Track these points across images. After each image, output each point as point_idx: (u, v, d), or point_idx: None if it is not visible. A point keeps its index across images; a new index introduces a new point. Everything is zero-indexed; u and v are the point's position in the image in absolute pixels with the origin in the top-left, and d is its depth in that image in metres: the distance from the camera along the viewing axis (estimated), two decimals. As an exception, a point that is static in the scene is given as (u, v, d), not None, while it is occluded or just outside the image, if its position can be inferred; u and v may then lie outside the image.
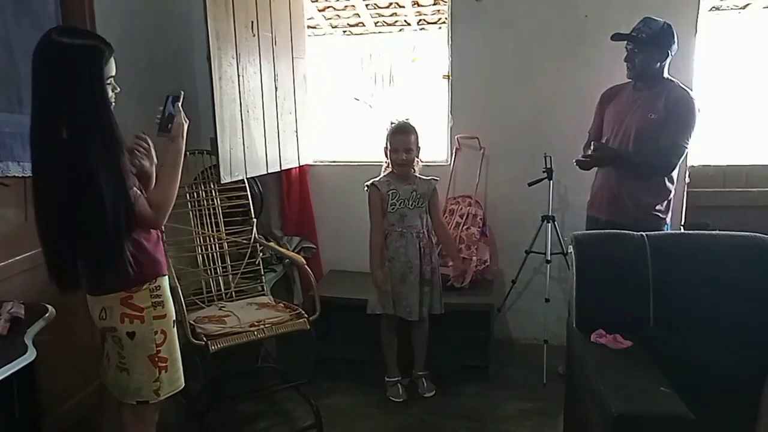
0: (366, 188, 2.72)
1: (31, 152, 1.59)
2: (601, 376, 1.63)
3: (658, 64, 2.51)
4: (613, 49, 2.60)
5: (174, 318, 1.82)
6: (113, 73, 1.64)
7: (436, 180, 2.79)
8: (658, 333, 1.87)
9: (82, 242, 1.59)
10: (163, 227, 1.82)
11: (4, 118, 2.04)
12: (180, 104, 1.77)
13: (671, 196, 2.62)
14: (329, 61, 3.52)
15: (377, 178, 2.74)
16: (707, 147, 3.08)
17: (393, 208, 2.70)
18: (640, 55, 2.49)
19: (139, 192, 1.67)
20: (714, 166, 3.15)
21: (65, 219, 1.57)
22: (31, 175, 1.64)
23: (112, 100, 1.64)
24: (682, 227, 3.07)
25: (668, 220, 2.64)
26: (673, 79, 2.56)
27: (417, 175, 2.75)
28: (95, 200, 1.53)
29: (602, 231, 2.21)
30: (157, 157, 1.79)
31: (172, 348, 1.79)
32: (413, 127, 2.69)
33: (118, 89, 1.68)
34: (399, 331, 2.83)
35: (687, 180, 3.09)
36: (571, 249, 2.03)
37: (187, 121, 1.81)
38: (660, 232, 2.07)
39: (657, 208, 2.58)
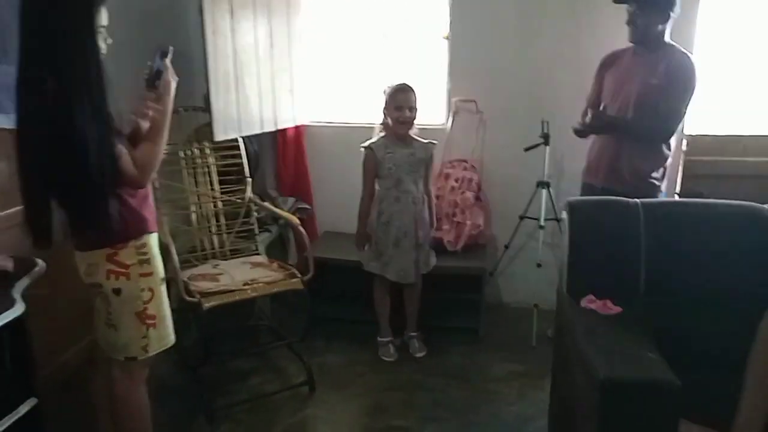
0: (363, 149, 2.70)
1: (16, 102, 1.53)
2: (589, 341, 1.65)
3: (660, 27, 2.47)
4: (616, 13, 2.55)
5: (162, 276, 1.81)
6: (105, 23, 1.57)
7: (434, 144, 2.77)
8: (649, 300, 1.89)
9: (64, 194, 1.57)
10: (155, 185, 1.80)
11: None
12: (168, 60, 1.70)
13: (667, 163, 2.61)
14: (328, 19, 3.43)
15: (374, 140, 2.71)
16: (706, 115, 3.05)
17: (389, 172, 2.68)
18: (642, 17, 2.46)
19: (124, 149, 1.62)
20: (712, 135, 3.12)
21: (47, 170, 1.54)
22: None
23: (103, 50, 1.57)
24: (677, 195, 3.07)
25: (663, 187, 2.64)
26: (674, 43, 2.52)
27: (415, 137, 2.72)
28: (79, 153, 1.49)
29: (597, 197, 2.21)
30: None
31: (160, 305, 1.78)
32: (412, 88, 2.67)
33: (110, 40, 1.61)
34: (392, 292, 2.86)
35: (684, 148, 3.08)
36: (564, 215, 2.03)
37: (176, 79, 1.74)
38: (655, 199, 2.07)
39: (653, 175, 2.58)
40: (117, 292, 1.69)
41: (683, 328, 1.82)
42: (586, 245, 1.96)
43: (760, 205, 1.96)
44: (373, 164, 2.69)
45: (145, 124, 1.70)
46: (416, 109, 2.67)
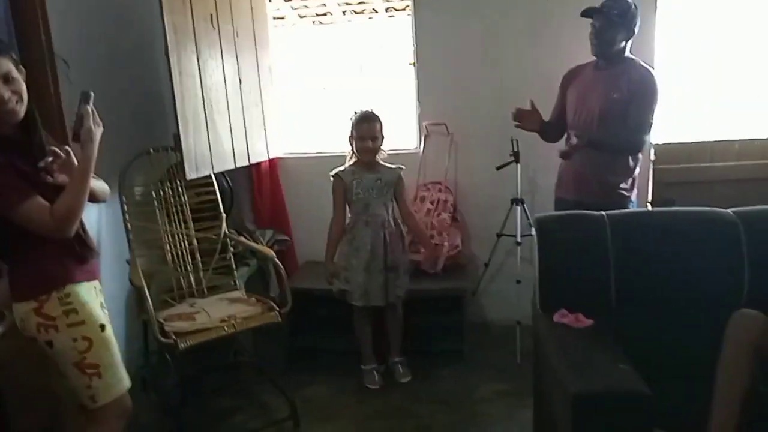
0: (331, 178, 2.73)
1: None
2: (561, 356, 1.66)
3: (624, 42, 2.52)
4: (575, 29, 2.61)
5: (101, 322, 1.72)
6: (4, 71, 1.51)
7: (401, 168, 2.79)
8: (620, 310, 1.90)
9: None
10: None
11: None
12: (90, 106, 1.64)
13: (636, 174, 2.65)
14: (298, 52, 3.49)
15: (341, 168, 2.75)
16: (672, 124, 3.11)
17: (357, 197, 2.72)
18: (609, 32, 2.49)
19: (40, 200, 1.56)
20: (679, 143, 3.18)
21: None
22: None
23: (9, 105, 1.52)
24: (648, 204, 3.11)
25: (633, 197, 2.67)
26: (634, 57, 2.58)
27: (382, 163, 2.76)
28: None
29: (563, 212, 2.23)
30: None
31: (104, 353, 1.71)
32: (377, 116, 2.71)
33: (9, 93, 1.53)
34: (373, 319, 2.85)
35: (652, 157, 3.12)
36: (533, 231, 2.05)
37: (99, 125, 1.66)
38: (621, 210, 2.09)
39: (622, 186, 2.61)
40: (49, 344, 1.66)
41: (654, 337, 1.83)
42: (555, 260, 1.97)
43: (724, 210, 1.99)
44: (342, 191, 2.73)
45: (60, 178, 1.63)
46: (381, 138, 2.71)
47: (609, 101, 2.52)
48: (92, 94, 1.66)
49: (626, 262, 1.93)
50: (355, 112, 2.73)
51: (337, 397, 2.74)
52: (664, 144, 3.15)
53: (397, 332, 2.88)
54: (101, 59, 2.80)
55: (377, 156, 2.74)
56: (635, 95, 2.48)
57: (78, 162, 1.62)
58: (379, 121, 2.70)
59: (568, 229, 2.02)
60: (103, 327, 1.72)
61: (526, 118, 2.70)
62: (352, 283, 2.75)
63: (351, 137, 2.73)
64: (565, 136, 2.72)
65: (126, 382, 1.79)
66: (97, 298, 1.77)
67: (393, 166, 2.78)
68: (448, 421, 2.52)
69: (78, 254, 1.71)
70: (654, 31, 2.98)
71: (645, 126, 2.51)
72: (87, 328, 1.68)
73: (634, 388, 1.45)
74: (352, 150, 2.75)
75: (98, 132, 1.65)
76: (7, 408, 1.75)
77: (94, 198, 1.78)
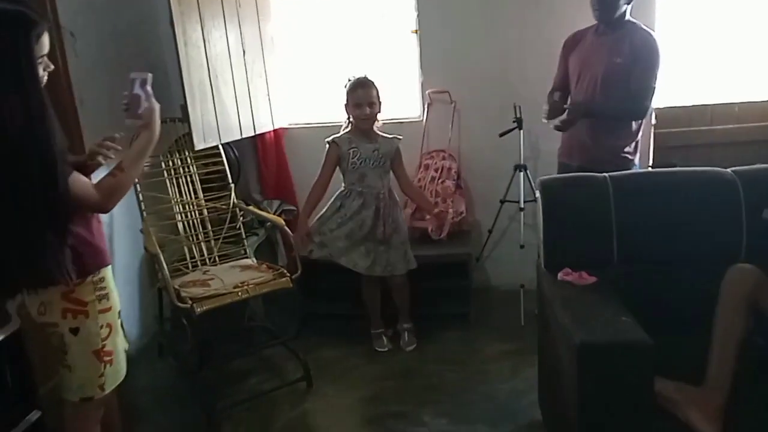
0: (326, 144, 2.72)
1: None
2: (566, 311, 1.72)
3: (625, 5, 2.53)
4: (575, -6, 2.62)
5: (119, 308, 1.72)
6: (45, 51, 1.46)
7: (399, 139, 2.78)
8: (623, 268, 1.97)
9: (10, 229, 1.43)
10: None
11: None
12: (149, 87, 1.65)
13: (639, 137, 2.69)
14: (300, 22, 3.48)
15: (338, 135, 2.72)
16: (673, 88, 3.13)
17: (353, 167, 2.69)
18: None
19: (79, 176, 1.51)
20: (679, 106, 3.21)
21: None
22: None
23: (44, 79, 1.46)
24: (650, 167, 3.15)
25: (636, 161, 2.71)
26: (635, 21, 2.59)
27: (379, 133, 2.74)
28: (19, 194, 1.39)
29: (566, 175, 2.29)
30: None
31: (117, 340, 1.70)
32: (372, 81, 2.67)
33: (52, 67, 1.51)
34: (381, 285, 2.90)
35: (654, 121, 3.16)
36: (538, 194, 2.10)
37: (157, 105, 1.67)
38: (622, 172, 2.14)
39: (625, 150, 2.64)
40: (74, 331, 1.58)
41: (656, 292, 1.91)
42: (559, 221, 2.03)
43: (723, 169, 2.05)
44: (335, 156, 2.69)
45: (109, 156, 1.66)
46: (378, 104, 2.66)
47: (611, 66, 2.53)
48: (150, 75, 1.66)
49: (628, 222, 1.99)
50: (349, 79, 2.68)
51: (348, 359, 2.83)
52: (664, 108, 3.18)
53: (404, 300, 2.91)
54: (106, 31, 2.81)
55: (374, 125, 2.70)
56: (638, 60, 2.49)
57: (139, 140, 1.63)
58: (375, 86, 2.65)
59: (571, 191, 2.07)
60: (119, 313, 1.72)
61: (555, 110, 2.68)
62: (331, 248, 2.73)
63: (346, 105, 2.68)
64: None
65: (125, 369, 1.77)
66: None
67: (390, 136, 2.74)
68: (456, 379, 2.61)
69: (104, 235, 1.69)
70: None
71: (648, 91, 2.52)
72: (111, 315, 1.67)
73: (637, 338, 1.52)
74: (348, 118, 2.72)
75: (157, 112, 1.66)
76: (33, 374, 1.79)
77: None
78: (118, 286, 1.74)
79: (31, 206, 1.40)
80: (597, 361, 1.54)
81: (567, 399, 1.70)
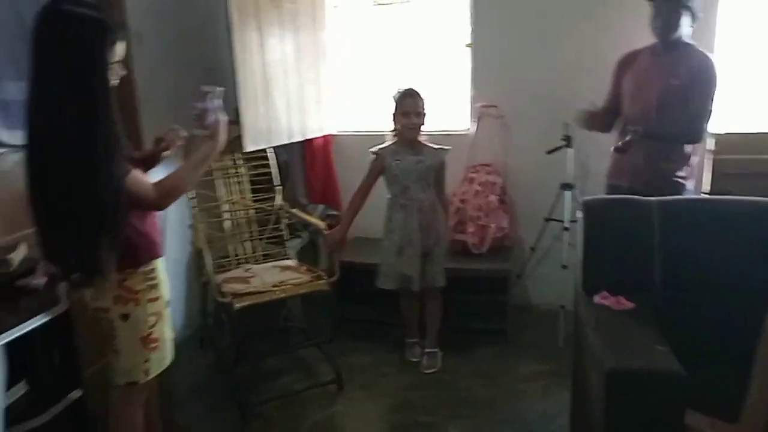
0: (372, 154, 2.74)
1: (24, 125, 1.49)
2: (598, 334, 1.68)
3: (689, 26, 2.46)
4: (634, 10, 2.57)
5: (168, 299, 1.79)
6: (119, 58, 1.53)
7: (446, 150, 2.75)
8: (663, 295, 1.91)
9: (66, 232, 1.51)
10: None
11: (17, 87, 2.06)
12: (218, 100, 1.74)
13: (692, 162, 2.60)
14: (355, 33, 3.56)
15: (383, 146, 2.73)
16: (733, 114, 3.01)
17: (395, 179, 2.69)
18: (676, 16, 2.42)
19: (137, 173, 1.58)
20: (739, 133, 3.08)
21: (55, 195, 1.49)
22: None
23: (114, 82, 1.53)
24: (704, 194, 3.03)
25: (690, 186, 2.63)
26: (693, 43, 2.52)
27: (426, 143, 2.73)
28: (78, 189, 1.45)
29: (611, 196, 2.24)
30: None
31: (164, 328, 1.78)
32: (419, 93, 2.67)
33: (123, 73, 1.59)
34: (419, 297, 2.88)
35: (711, 147, 3.04)
36: (579, 214, 2.07)
37: (226, 117, 1.77)
38: (670, 197, 2.07)
39: (678, 174, 2.56)
40: (124, 317, 1.67)
41: (696, 323, 1.84)
42: (600, 242, 1.99)
43: (774, 200, 1.96)
44: (378, 168, 2.71)
45: (177, 145, 1.77)
46: (424, 114, 2.66)
47: (668, 88, 2.46)
48: (221, 89, 1.75)
49: (673, 248, 1.93)
50: (398, 90, 2.70)
51: (379, 367, 2.85)
52: (724, 134, 3.06)
53: (433, 324, 2.87)
54: (169, 34, 2.95)
55: (419, 135, 2.70)
56: (695, 82, 2.42)
57: (203, 148, 1.72)
58: (422, 97, 2.66)
59: (615, 212, 2.03)
60: (168, 303, 1.80)
61: (593, 120, 2.66)
62: (383, 264, 2.75)
63: (394, 114, 2.69)
64: (619, 127, 2.67)
65: (170, 356, 1.85)
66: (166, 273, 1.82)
67: (437, 147, 2.72)
68: (486, 396, 2.59)
69: (159, 229, 1.78)
70: (716, 17, 2.88)
71: (705, 114, 2.45)
72: (159, 304, 1.74)
73: (670, 368, 1.47)
74: (394, 128, 2.73)
75: (224, 124, 1.75)
76: (78, 354, 1.88)
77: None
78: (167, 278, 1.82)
79: (87, 209, 1.46)
80: (626, 389, 1.50)
81: (594, 426, 1.66)
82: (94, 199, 1.47)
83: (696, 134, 2.50)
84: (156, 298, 1.73)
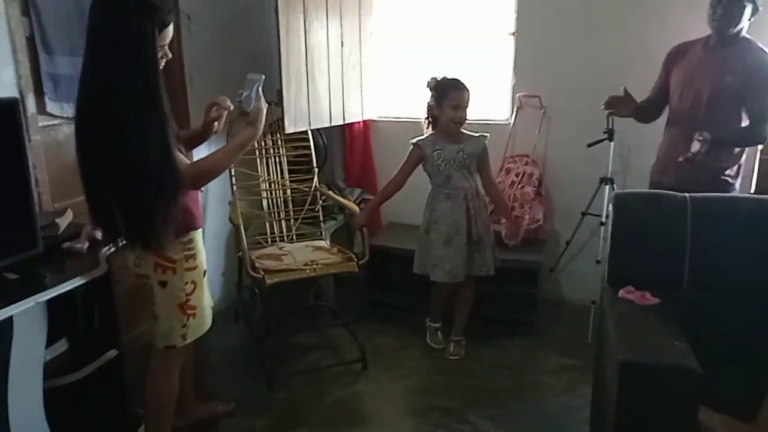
0: (411, 144, 2.72)
1: (76, 99, 1.59)
2: (618, 328, 1.67)
3: (750, 19, 2.34)
4: (685, 5, 2.50)
5: (205, 268, 1.88)
6: (167, 41, 1.61)
7: (485, 137, 2.72)
8: (688, 294, 1.87)
9: (122, 195, 1.60)
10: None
11: (69, 62, 2.21)
12: (260, 88, 1.79)
13: (742, 160, 2.50)
14: (399, 20, 3.58)
15: (423, 137, 2.70)
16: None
17: (438, 169, 2.66)
18: (743, 9, 2.29)
19: (177, 153, 1.65)
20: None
21: (105, 169, 1.58)
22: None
23: (161, 65, 1.61)
24: (751, 194, 2.92)
25: (737, 185, 2.53)
26: (750, 38, 2.41)
27: (464, 131, 2.69)
28: (133, 164, 1.54)
29: (644, 191, 2.20)
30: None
31: (201, 296, 1.86)
32: (466, 85, 2.63)
33: (170, 56, 1.67)
34: (452, 286, 2.85)
35: (760, 147, 2.92)
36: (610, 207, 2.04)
37: (266, 106, 1.83)
38: (705, 194, 2.01)
39: (727, 172, 2.47)
40: (162, 284, 1.77)
41: (718, 322, 1.81)
42: (628, 237, 1.97)
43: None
44: (416, 158, 2.68)
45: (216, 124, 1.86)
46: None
47: (720, 84, 2.36)
48: (263, 77, 1.80)
49: (703, 247, 1.88)
50: (435, 79, 2.64)
51: (404, 351, 2.89)
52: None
53: (462, 315, 2.86)
54: (218, 16, 3.05)
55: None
56: (752, 80, 2.31)
57: (243, 133, 1.79)
58: (468, 90, 2.61)
59: (646, 208, 1.99)
60: (205, 273, 1.89)
61: (619, 105, 2.60)
62: (433, 257, 2.71)
63: (438, 105, 2.62)
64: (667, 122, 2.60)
65: (208, 323, 1.94)
66: (204, 244, 1.91)
67: (476, 135, 2.69)
68: (509, 385, 2.59)
69: (199, 202, 1.87)
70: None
71: (766, 114, 2.33)
72: (197, 273, 1.84)
73: (685, 363, 1.46)
74: (430, 118, 2.69)
75: (264, 112, 1.82)
76: (116, 316, 1.99)
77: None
78: (206, 251, 1.91)
79: (145, 176, 1.55)
80: (638, 381, 1.49)
81: (608, 418, 1.66)
82: (146, 170, 1.55)
83: (762, 135, 2.37)
84: (193, 268, 1.81)
